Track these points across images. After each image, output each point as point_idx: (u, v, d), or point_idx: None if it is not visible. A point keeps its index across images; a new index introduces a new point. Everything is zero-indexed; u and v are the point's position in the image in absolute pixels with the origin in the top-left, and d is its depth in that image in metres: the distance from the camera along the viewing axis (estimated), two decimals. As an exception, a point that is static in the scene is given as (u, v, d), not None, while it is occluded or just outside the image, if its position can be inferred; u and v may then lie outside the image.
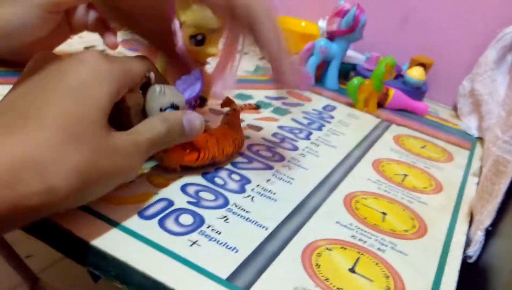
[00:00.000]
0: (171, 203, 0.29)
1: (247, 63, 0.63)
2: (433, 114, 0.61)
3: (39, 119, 0.21)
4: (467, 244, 0.33)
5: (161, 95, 0.28)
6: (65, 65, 0.23)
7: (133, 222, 0.27)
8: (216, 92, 0.38)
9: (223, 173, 0.34)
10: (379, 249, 0.30)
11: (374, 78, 0.53)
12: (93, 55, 0.24)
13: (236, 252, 0.27)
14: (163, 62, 0.38)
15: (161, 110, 0.29)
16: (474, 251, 0.32)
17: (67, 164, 0.21)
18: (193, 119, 0.29)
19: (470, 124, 0.57)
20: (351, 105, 0.55)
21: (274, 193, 0.33)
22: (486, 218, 0.32)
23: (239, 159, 0.37)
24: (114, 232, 0.26)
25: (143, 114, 0.29)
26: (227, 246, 0.27)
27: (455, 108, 0.64)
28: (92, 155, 0.22)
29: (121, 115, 0.27)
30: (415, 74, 0.58)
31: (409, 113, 0.58)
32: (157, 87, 0.28)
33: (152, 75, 0.28)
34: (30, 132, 0.20)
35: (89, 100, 0.22)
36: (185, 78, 0.31)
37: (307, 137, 0.44)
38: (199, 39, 0.34)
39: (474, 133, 0.55)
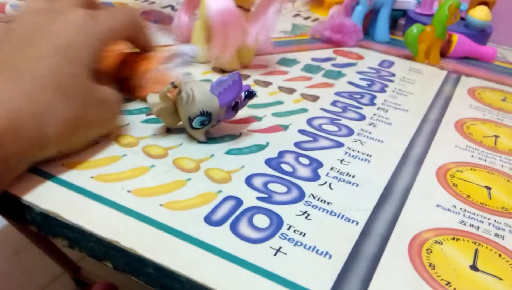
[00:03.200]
0: (239, 202, 0.25)
1: (281, 22, 0.56)
2: (501, 59, 0.53)
3: (32, 76, 0.23)
4: None
5: (188, 104, 0.27)
6: (53, 24, 0.25)
7: (199, 230, 0.22)
8: (253, 37, 0.38)
9: (289, 157, 0.29)
10: (496, 235, 0.24)
11: (436, 23, 0.46)
12: (80, 15, 0.25)
13: (330, 258, 0.22)
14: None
15: (189, 118, 0.27)
16: None
17: (58, 115, 0.23)
18: None
19: (547, 66, 0.50)
20: (410, 57, 0.48)
21: (353, 176, 0.28)
22: None
23: (303, 137, 0.31)
24: (179, 244, 0.21)
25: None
26: (317, 251, 0.22)
27: (523, 49, 0.56)
28: (79, 107, 0.24)
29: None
30: (480, 14, 0.50)
31: (474, 61, 0.50)
32: (184, 96, 0.27)
33: (178, 82, 0.27)
34: (25, 87, 0.22)
35: (77, 59, 0.24)
36: (221, 80, 0.27)
37: (372, 102, 0.38)
38: None
39: (556, 76, 0.48)
